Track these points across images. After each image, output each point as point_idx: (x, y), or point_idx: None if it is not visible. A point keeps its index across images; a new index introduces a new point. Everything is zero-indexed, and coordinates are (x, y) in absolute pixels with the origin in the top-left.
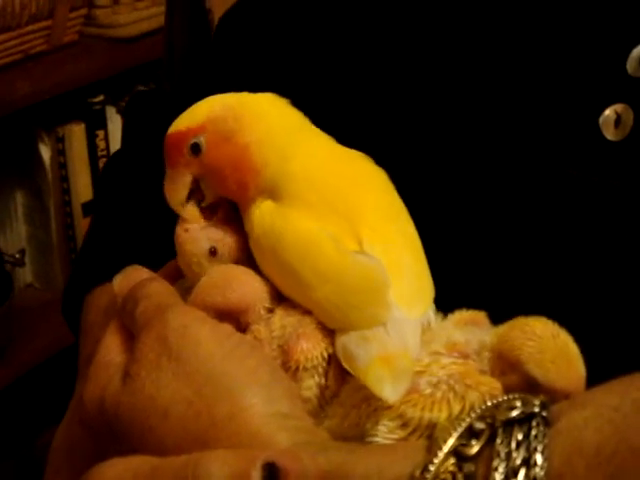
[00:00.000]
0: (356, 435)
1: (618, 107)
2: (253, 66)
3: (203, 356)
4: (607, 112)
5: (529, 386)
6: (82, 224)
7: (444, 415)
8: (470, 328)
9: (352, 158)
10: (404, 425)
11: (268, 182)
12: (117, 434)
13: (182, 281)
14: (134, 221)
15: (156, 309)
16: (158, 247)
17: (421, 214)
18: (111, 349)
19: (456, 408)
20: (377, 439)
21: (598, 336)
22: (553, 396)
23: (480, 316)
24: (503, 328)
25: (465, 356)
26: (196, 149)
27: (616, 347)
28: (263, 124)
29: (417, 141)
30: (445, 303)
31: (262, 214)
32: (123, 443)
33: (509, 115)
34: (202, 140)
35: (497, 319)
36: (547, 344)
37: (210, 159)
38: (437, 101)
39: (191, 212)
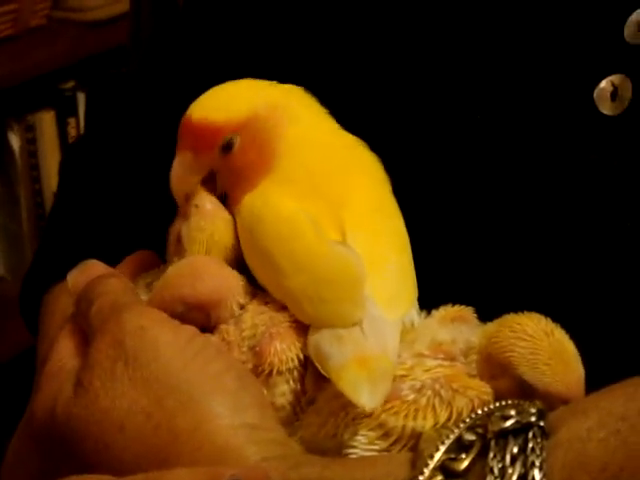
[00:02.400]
0: (333, 447)
1: (615, 78)
2: (223, 46)
3: (163, 362)
4: (603, 84)
5: (522, 390)
6: None
7: (429, 424)
8: (456, 325)
9: (350, 145)
10: (385, 435)
11: None
12: (69, 449)
13: (144, 276)
14: (96, 212)
15: (111, 309)
16: (121, 240)
17: (412, 206)
18: (63, 354)
19: (442, 416)
20: (356, 451)
21: (597, 333)
22: (550, 401)
23: (467, 312)
24: (491, 327)
25: (452, 358)
26: (228, 147)
27: (616, 345)
28: (295, 131)
29: (405, 121)
30: (431, 300)
31: (249, 196)
32: (75, 459)
33: (500, 93)
34: (237, 139)
35: (485, 315)
36: (540, 344)
37: (237, 159)
38: (428, 80)
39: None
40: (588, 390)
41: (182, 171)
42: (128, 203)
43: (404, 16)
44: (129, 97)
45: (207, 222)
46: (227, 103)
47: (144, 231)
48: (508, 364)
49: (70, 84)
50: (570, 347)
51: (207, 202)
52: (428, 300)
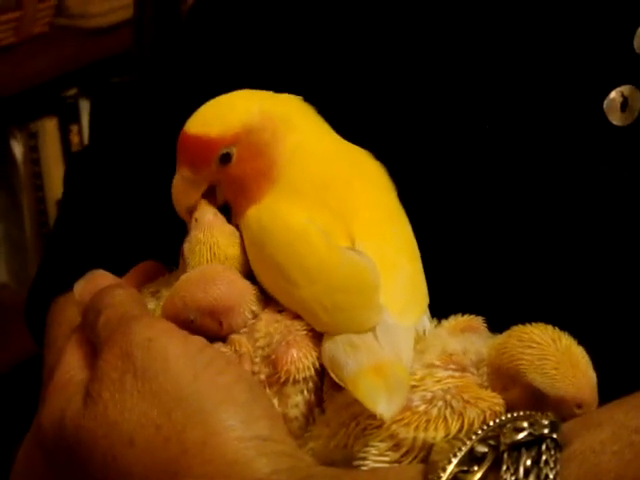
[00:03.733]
0: (343, 458)
1: (624, 89)
2: (227, 55)
3: (172, 374)
4: (612, 95)
5: (535, 400)
6: None
7: (440, 435)
8: (467, 336)
9: (354, 154)
10: (396, 446)
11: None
12: (77, 461)
13: (149, 286)
14: (101, 222)
15: (119, 320)
16: (126, 250)
17: (419, 214)
18: (71, 365)
19: (454, 427)
20: (367, 462)
21: (607, 341)
22: (564, 408)
23: (477, 322)
24: (499, 339)
25: (462, 368)
26: (225, 159)
27: (626, 353)
28: (294, 140)
29: (414, 132)
30: (440, 309)
31: (255, 208)
32: (83, 471)
33: (509, 103)
34: (234, 151)
35: (494, 323)
36: (548, 349)
37: (237, 170)
38: (436, 89)
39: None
40: (600, 397)
41: (182, 186)
42: (133, 213)
43: (411, 24)
44: (133, 106)
45: (206, 235)
46: (220, 116)
47: (149, 241)
48: (517, 373)
49: (72, 91)
50: (579, 352)
51: (206, 215)
52: (436, 308)
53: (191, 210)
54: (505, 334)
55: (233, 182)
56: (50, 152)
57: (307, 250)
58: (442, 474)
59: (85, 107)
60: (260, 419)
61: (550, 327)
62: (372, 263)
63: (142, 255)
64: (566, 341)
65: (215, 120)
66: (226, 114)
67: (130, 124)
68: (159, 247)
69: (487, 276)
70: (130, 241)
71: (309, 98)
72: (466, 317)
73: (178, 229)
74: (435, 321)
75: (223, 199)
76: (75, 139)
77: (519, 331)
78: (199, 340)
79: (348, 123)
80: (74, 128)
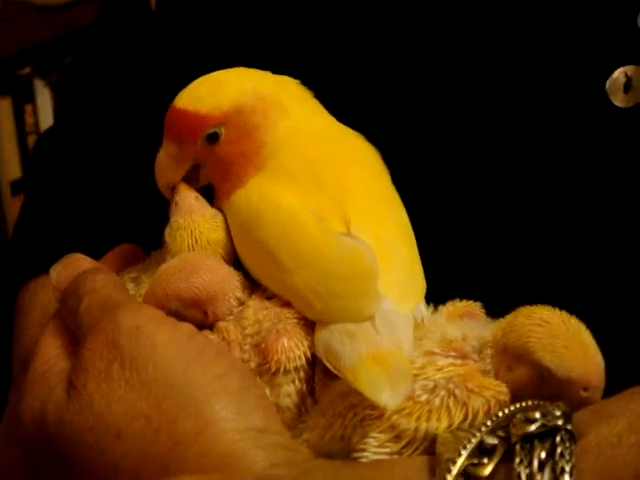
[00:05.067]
0: (340, 449)
1: (628, 69)
2: (200, 33)
3: (161, 363)
4: (615, 75)
5: (542, 381)
6: (12, 204)
7: (443, 425)
8: (465, 322)
9: (349, 138)
10: (397, 437)
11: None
12: (62, 456)
13: (128, 270)
14: (70, 205)
15: (102, 307)
16: (97, 233)
17: (413, 198)
18: (50, 355)
19: (458, 417)
20: (366, 454)
21: (609, 330)
22: (569, 390)
23: (475, 308)
24: (506, 319)
25: (463, 355)
26: (212, 139)
27: (630, 341)
28: (286, 125)
29: (412, 114)
30: (435, 295)
31: (243, 190)
32: (69, 467)
33: (510, 84)
34: (222, 131)
35: (492, 311)
36: (558, 329)
37: (223, 152)
38: (435, 71)
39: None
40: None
41: (166, 162)
42: (103, 196)
43: (407, 5)
44: (100, 84)
45: (187, 220)
46: (213, 93)
47: (120, 224)
48: (525, 351)
49: (26, 70)
50: (587, 335)
51: (187, 199)
52: (431, 294)
53: (172, 186)
54: (511, 314)
55: (218, 163)
56: (4, 132)
57: (298, 233)
58: (452, 467)
59: (40, 86)
60: (254, 410)
61: (558, 310)
62: (370, 249)
63: (112, 238)
64: (575, 323)
65: (206, 97)
66: (219, 92)
67: (98, 103)
68: (132, 230)
69: (484, 261)
70: (101, 224)
71: (302, 80)
72: (464, 303)
73: (150, 211)
74: (431, 307)
75: (207, 180)
76: (30, 119)
77: (527, 311)
78: (188, 327)
79: (341, 106)
80: (28, 108)
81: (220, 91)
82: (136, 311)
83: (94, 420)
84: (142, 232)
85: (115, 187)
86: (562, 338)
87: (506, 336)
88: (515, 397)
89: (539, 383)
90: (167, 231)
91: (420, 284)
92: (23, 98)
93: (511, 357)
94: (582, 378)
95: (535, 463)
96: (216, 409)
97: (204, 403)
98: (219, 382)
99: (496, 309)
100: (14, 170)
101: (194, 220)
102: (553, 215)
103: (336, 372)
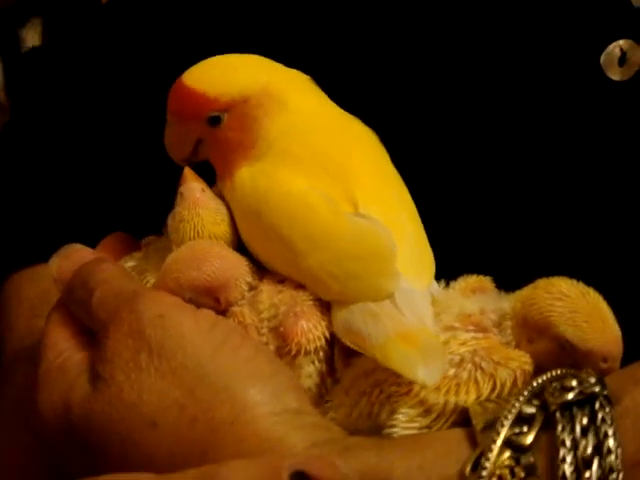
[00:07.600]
0: (369, 426)
1: (623, 43)
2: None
3: (190, 350)
4: (610, 49)
5: (561, 351)
6: None
7: (472, 398)
8: (479, 296)
9: (345, 120)
10: (426, 412)
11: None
12: (89, 449)
13: (125, 259)
14: (38, 199)
15: (117, 297)
16: (70, 224)
17: (415, 177)
18: (62, 347)
19: (485, 389)
20: (395, 430)
21: (618, 301)
22: (589, 361)
23: (486, 282)
24: (525, 291)
25: (483, 329)
26: (214, 122)
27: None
28: (285, 120)
29: (406, 98)
30: (443, 272)
31: (245, 174)
32: (97, 459)
33: (506, 62)
34: (225, 117)
35: (500, 285)
36: (578, 302)
37: (222, 134)
38: (434, 48)
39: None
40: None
41: (174, 136)
42: (71, 186)
43: None
44: (58, 71)
45: (190, 213)
46: (224, 78)
47: (100, 214)
48: (547, 324)
49: None
50: (605, 307)
51: (192, 191)
52: (438, 271)
53: (188, 159)
54: (530, 287)
55: (217, 145)
56: None
57: (310, 216)
58: (496, 437)
59: None
60: (288, 391)
61: (576, 281)
62: (385, 229)
63: (85, 229)
64: (594, 295)
65: (217, 80)
66: (231, 78)
67: (55, 92)
68: (107, 217)
69: (488, 237)
70: (78, 213)
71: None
72: (475, 277)
73: (122, 199)
74: (443, 283)
75: (205, 156)
76: None
77: (546, 283)
78: (210, 314)
79: (343, 99)
80: None
81: (233, 78)
82: (155, 300)
83: (125, 411)
84: (121, 219)
85: (77, 177)
86: (583, 312)
87: (526, 309)
88: (537, 367)
89: (559, 354)
90: (170, 221)
91: (431, 260)
92: None
93: (532, 330)
94: (602, 350)
95: (578, 429)
96: (251, 394)
97: (238, 388)
98: (250, 366)
99: (503, 283)
100: None
101: (198, 214)
102: (554, 188)
103: (363, 352)
